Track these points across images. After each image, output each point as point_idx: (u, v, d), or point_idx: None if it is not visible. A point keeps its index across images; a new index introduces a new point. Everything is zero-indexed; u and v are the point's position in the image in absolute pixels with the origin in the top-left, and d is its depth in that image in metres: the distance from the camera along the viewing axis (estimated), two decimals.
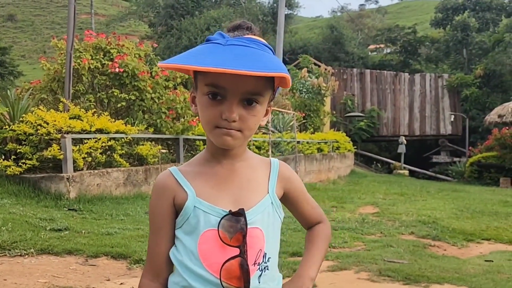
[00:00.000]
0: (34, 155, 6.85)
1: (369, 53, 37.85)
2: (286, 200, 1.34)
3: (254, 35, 1.20)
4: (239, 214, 1.17)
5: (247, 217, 1.18)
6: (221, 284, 1.16)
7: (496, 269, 5.11)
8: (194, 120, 9.19)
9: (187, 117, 9.15)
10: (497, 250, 6.32)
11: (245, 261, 1.16)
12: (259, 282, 1.20)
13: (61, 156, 6.74)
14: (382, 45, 38.32)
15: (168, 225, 1.24)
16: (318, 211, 1.42)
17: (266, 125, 10.41)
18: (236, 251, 1.16)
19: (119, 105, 8.85)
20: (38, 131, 6.87)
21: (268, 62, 1.09)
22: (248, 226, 1.18)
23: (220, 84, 1.12)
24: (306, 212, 1.39)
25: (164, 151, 9.12)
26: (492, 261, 5.61)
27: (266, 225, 1.23)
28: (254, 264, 1.20)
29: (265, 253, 1.22)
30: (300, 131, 15.68)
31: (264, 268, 1.22)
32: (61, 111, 7.60)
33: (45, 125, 6.90)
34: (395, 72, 27.10)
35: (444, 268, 5.05)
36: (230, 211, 1.18)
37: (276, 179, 1.30)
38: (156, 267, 1.26)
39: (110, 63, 8.93)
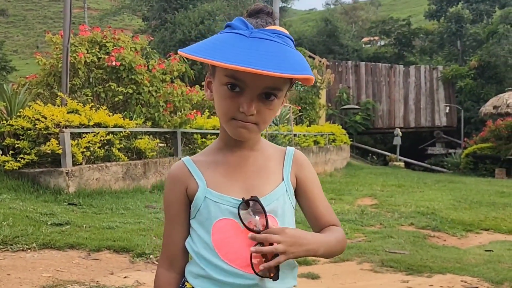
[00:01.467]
0: (32, 150, 6.81)
1: (363, 46, 37.84)
2: (298, 190, 1.30)
3: (273, 19, 1.19)
4: (253, 201, 1.16)
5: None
6: (255, 272, 1.14)
7: (496, 258, 5.15)
8: (192, 114, 9.16)
9: (184, 110, 9.12)
10: (497, 240, 6.36)
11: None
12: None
13: (60, 151, 6.70)
14: (376, 38, 38.34)
15: (182, 215, 1.25)
16: (334, 215, 1.33)
17: None
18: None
19: (116, 99, 8.80)
20: (36, 126, 6.82)
21: (293, 61, 1.07)
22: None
23: (240, 77, 1.10)
24: (319, 209, 1.30)
25: (162, 144, 9.10)
26: (492, 250, 5.64)
27: (281, 213, 1.22)
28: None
29: None
30: (296, 124, 15.68)
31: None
32: (58, 106, 7.56)
33: (43, 119, 6.86)
34: (390, 65, 27.12)
35: (445, 258, 5.08)
36: (243, 198, 1.16)
37: (290, 166, 1.29)
38: (172, 256, 1.27)
39: (106, 56, 8.87)
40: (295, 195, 1.29)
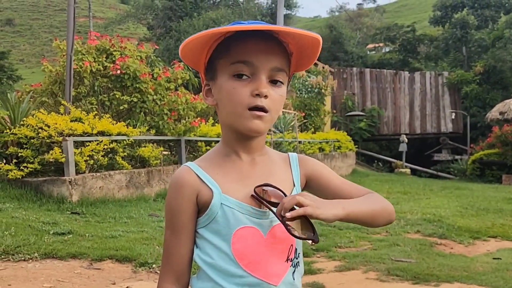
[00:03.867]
0: (35, 159, 6.80)
1: (368, 52, 37.81)
2: (312, 185, 1.26)
3: None
4: (268, 186, 1.13)
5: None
6: (295, 235, 1.07)
7: (505, 266, 5.06)
8: (196, 121, 9.13)
9: (189, 118, 9.09)
10: (505, 248, 6.27)
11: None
12: (294, 279, 1.16)
13: (63, 159, 6.68)
14: (381, 44, 38.26)
15: (190, 225, 1.16)
16: (362, 188, 1.26)
17: None
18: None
19: (121, 107, 8.79)
20: (39, 134, 6.81)
21: (297, 28, 1.11)
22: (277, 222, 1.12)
23: (248, 59, 1.10)
24: (344, 191, 1.23)
25: (166, 152, 9.07)
26: (500, 258, 5.55)
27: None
28: (287, 260, 1.15)
29: (296, 248, 1.18)
30: (301, 131, 15.63)
31: (296, 264, 1.18)
32: (62, 114, 7.55)
33: (46, 128, 6.85)
34: (395, 71, 27.04)
35: (453, 266, 5.00)
36: (255, 190, 1.13)
37: (298, 171, 1.25)
38: (178, 270, 1.18)
39: (111, 65, 8.87)
40: (312, 188, 1.26)
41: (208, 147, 9.56)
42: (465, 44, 29.32)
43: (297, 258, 1.18)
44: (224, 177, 1.17)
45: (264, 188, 1.14)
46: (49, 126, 6.87)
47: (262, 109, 1.10)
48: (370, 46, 40.92)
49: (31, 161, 6.77)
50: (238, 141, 1.18)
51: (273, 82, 1.13)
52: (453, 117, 25.62)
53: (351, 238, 6.28)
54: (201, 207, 1.15)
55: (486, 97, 25.55)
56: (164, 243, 1.21)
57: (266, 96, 1.10)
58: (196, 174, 1.17)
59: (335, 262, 5.07)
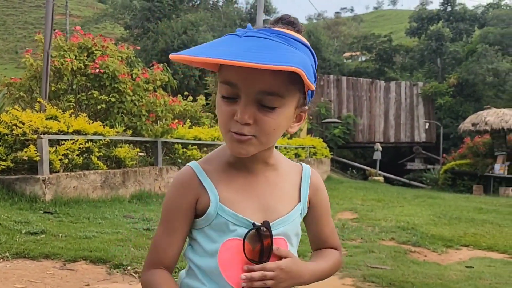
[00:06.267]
0: (8, 156, 6.64)
1: (345, 60, 38.16)
2: (309, 213, 1.24)
3: (297, 30, 1.09)
4: (263, 227, 1.09)
5: (273, 227, 1.10)
6: None
7: (477, 275, 5.14)
8: (174, 123, 9.06)
9: (166, 120, 9.02)
10: (476, 257, 6.37)
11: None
12: None
13: (37, 158, 6.54)
14: (357, 53, 38.69)
15: (185, 226, 1.15)
16: (336, 237, 1.31)
17: None
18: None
19: (98, 107, 8.67)
20: (13, 131, 6.66)
21: (281, 55, 0.94)
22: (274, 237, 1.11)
23: (232, 80, 1.01)
24: (324, 233, 1.28)
25: (142, 154, 8.97)
26: (473, 267, 5.64)
27: (293, 234, 1.18)
28: None
29: None
30: None
31: None
32: (37, 111, 7.40)
33: (20, 125, 6.70)
34: (371, 80, 27.36)
35: (427, 274, 5.05)
36: (253, 224, 1.09)
37: (308, 188, 1.22)
38: (164, 263, 1.16)
39: (92, 63, 8.74)
40: (306, 215, 1.25)
41: (184, 149, 9.49)
42: (440, 55, 29.86)
43: None
44: (226, 185, 1.14)
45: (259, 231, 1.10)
46: (23, 123, 6.73)
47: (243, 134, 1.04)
48: (347, 54, 41.31)
49: (3, 158, 6.60)
50: None
51: (266, 104, 1.03)
52: (426, 127, 26.04)
53: None
54: (199, 212, 1.14)
55: (459, 109, 26.05)
56: (154, 237, 1.19)
57: (248, 124, 1.03)
58: (199, 178, 1.14)
59: None
